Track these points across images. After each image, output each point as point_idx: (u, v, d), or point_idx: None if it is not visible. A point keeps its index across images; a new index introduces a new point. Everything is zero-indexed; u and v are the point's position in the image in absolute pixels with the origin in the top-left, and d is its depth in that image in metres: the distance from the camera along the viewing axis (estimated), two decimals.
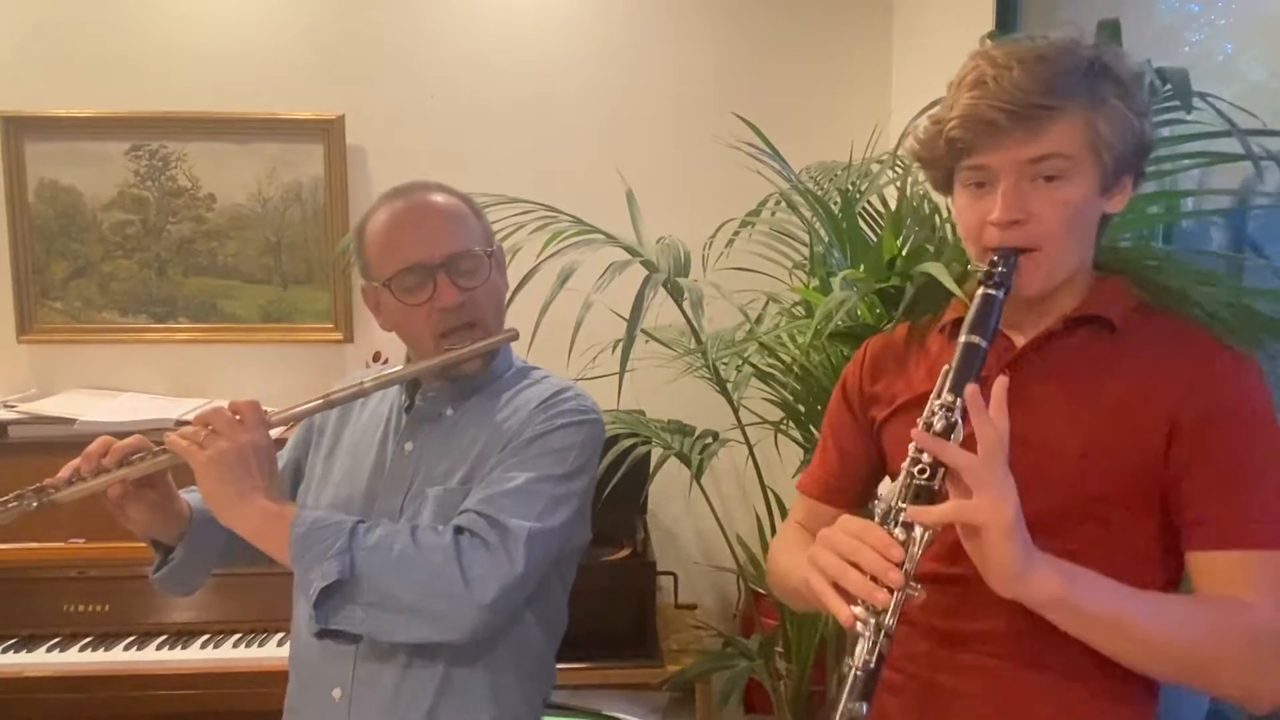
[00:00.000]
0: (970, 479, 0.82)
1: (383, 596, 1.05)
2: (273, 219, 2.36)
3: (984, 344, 0.90)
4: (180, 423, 2.00)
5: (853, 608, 0.83)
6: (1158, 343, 0.94)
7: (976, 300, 0.92)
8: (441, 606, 1.05)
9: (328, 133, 2.31)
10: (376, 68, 2.36)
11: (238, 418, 1.08)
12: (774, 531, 1.95)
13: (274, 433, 1.15)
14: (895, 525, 0.85)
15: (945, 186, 1.00)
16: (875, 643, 0.82)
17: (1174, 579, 0.94)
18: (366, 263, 1.20)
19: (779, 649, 1.97)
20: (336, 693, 1.16)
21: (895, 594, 0.82)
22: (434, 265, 1.13)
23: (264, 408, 1.11)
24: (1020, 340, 0.99)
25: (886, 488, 0.89)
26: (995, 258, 0.92)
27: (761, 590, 2.09)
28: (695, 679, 2.02)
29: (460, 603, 1.04)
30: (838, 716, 0.83)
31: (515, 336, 1.21)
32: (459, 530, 1.08)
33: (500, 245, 1.25)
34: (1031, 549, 0.83)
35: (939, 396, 0.89)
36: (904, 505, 0.85)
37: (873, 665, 0.83)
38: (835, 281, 1.62)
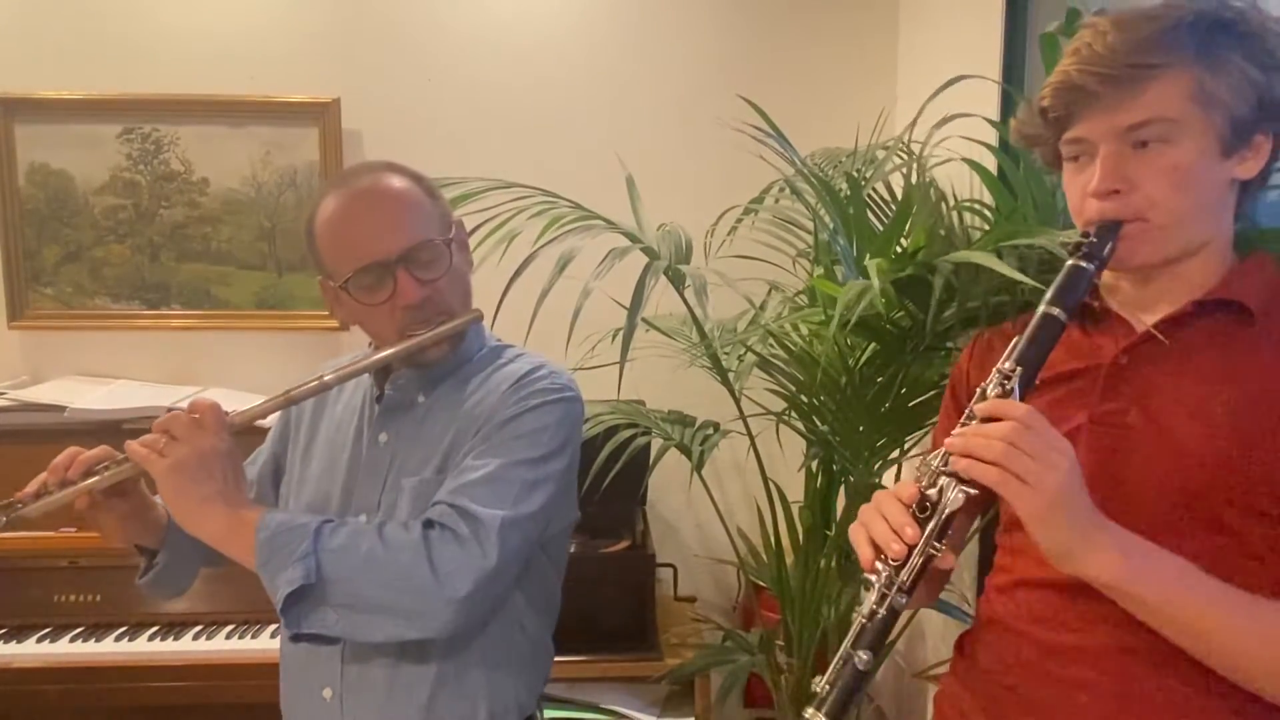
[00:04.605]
0: (979, 472, 0.80)
1: (353, 597, 1.02)
2: (267, 204, 2.32)
3: (1063, 317, 0.85)
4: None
5: (876, 561, 0.85)
6: None
7: (1063, 270, 0.86)
8: (413, 604, 1.01)
9: (323, 116, 2.27)
10: (373, 50, 2.32)
11: (196, 417, 1.05)
12: (775, 524, 1.92)
13: (265, 420, 1.12)
14: (932, 487, 0.85)
15: (1053, 163, 0.95)
16: (885, 595, 0.84)
17: None
18: (320, 259, 1.13)
19: (780, 643, 1.95)
20: (327, 693, 1.13)
21: (911, 550, 0.83)
22: (391, 261, 1.07)
23: (225, 409, 1.07)
24: (1142, 325, 0.91)
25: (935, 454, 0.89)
26: (1091, 228, 0.87)
27: (762, 583, 2.07)
28: (695, 673, 2.00)
29: (432, 599, 1.01)
30: (837, 659, 0.85)
31: (480, 317, 1.17)
32: (429, 524, 1.04)
33: (460, 221, 1.19)
34: (1091, 524, 0.80)
35: (1004, 363, 0.85)
36: (944, 469, 0.85)
37: (880, 615, 0.84)
38: (841, 270, 1.59)
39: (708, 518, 2.26)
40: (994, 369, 0.86)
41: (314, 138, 2.29)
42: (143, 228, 2.32)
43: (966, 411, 0.86)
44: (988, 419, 0.82)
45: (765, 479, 1.88)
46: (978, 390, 0.87)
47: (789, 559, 1.92)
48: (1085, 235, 0.87)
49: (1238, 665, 0.80)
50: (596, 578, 1.95)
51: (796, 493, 1.93)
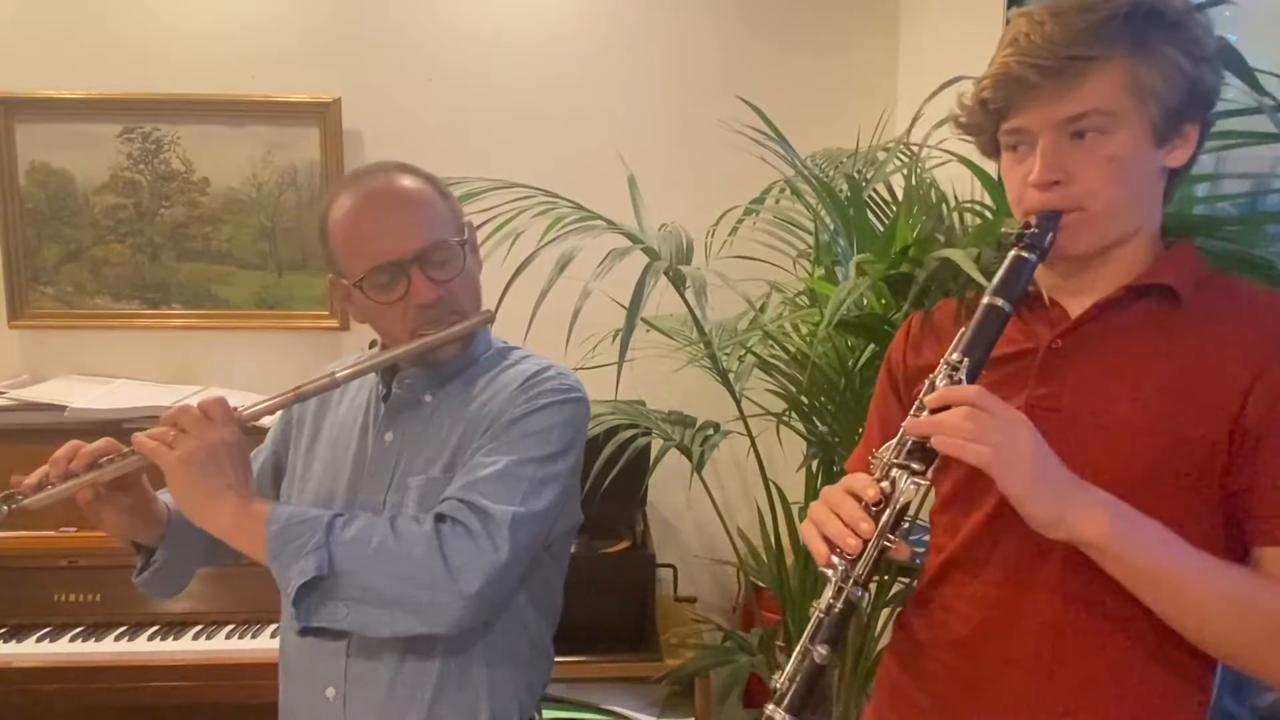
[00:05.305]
0: (972, 454, 0.81)
1: (364, 591, 1.02)
2: (267, 204, 2.32)
3: (1007, 307, 0.87)
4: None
5: (832, 555, 0.86)
6: (1229, 314, 0.87)
7: (1006, 261, 0.88)
8: (425, 598, 1.01)
9: (323, 116, 2.27)
10: (374, 50, 2.32)
11: (206, 416, 1.05)
12: (775, 524, 1.92)
13: (263, 421, 1.12)
14: (885, 479, 0.87)
15: (992, 152, 0.96)
16: (841, 589, 0.85)
17: None
18: (332, 257, 1.13)
19: (780, 643, 1.95)
20: (330, 692, 1.13)
21: (866, 544, 0.84)
22: (406, 261, 1.08)
23: (233, 404, 1.07)
24: (1076, 309, 0.93)
25: (886, 447, 0.90)
26: (1032, 219, 0.88)
27: (762, 584, 2.07)
28: (695, 674, 2.00)
29: (444, 593, 1.01)
30: (796, 654, 0.86)
31: (491, 318, 1.17)
32: (440, 519, 1.05)
33: (470, 221, 1.20)
34: (1071, 487, 0.81)
35: (951, 354, 0.87)
36: (895, 460, 0.86)
37: (837, 609, 0.85)
38: (841, 270, 1.60)
39: (708, 518, 2.26)
40: (941, 360, 0.88)
41: (315, 137, 2.28)
42: (143, 227, 2.32)
43: (916, 404, 0.87)
44: (939, 408, 0.84)
45: (765, 479, 1.88)
46: (926, 382, 0.88)
47: (789, 559, 1.92)
48: (1026, 226, 0.88)
49: (1204, 623, 0.81)
50: (596, 578, 1.95)
51: (796, 493, 1.93)
